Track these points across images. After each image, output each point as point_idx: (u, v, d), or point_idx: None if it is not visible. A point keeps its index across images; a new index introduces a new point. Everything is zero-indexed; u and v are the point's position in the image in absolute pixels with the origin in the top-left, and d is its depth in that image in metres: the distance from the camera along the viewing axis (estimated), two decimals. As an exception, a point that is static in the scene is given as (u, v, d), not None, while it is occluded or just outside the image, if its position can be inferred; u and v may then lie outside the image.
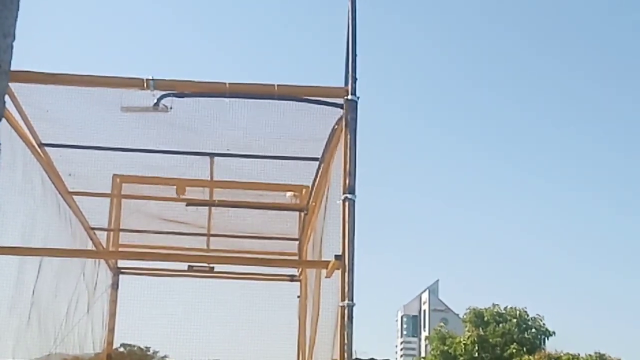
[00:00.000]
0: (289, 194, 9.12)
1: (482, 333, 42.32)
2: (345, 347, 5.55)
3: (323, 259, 7.25)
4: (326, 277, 6.32)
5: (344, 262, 5.67)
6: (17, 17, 1.52)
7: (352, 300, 5.58)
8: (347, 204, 5.83)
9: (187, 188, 8.69)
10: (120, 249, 9.72)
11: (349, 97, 6.04)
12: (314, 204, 8.25)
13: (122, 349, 14.43)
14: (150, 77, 6.04)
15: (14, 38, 1.54)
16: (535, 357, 39.80)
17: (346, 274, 5.63)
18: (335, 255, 5.76)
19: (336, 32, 6.52)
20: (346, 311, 5.55)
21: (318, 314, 7.81)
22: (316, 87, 6.28)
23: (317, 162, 7.57)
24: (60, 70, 6.02)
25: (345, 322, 5.53)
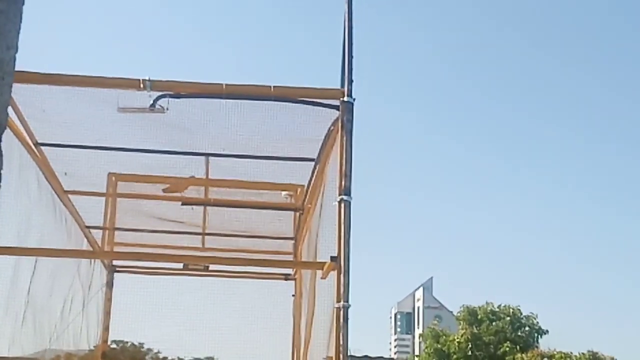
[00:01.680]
0: (284, 193, 9.15)
1: (475, 331, 42.41)
2: (341, 348, 5.57)
3: (318, 260, 7.28)
4: (322, 278, 6.35)
5: (340, 264, 5.69)
6: (20, 29, 1.54)
7: (348, 301, 5.60)
8: (342, 205, 5.86)
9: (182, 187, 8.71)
10: (115, 248, 9.73)
11: (345, 98, 6.06)
12: (309, 205, 8.27)
13: (114, 346, 14.45)
14: (147, 78, 6.05)
15: (17, 50, 1.55)
16: (529, 355, 39.89)
17: (342, 275, 5.66)
18: (331, 257, 5.78)
19: (333, 33, 6.54)
20: (341, 312, 5.57)
21: (313, 314, 7.84)
22: (312, 88, 6.30)
23: (313, 163, 7.59)
24: (58, 71, 6.04)
25: (341, 324, 5.55)
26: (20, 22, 1.54)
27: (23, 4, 1.55)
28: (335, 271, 5.74)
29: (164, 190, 8.64)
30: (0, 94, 1.61)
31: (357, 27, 6.22)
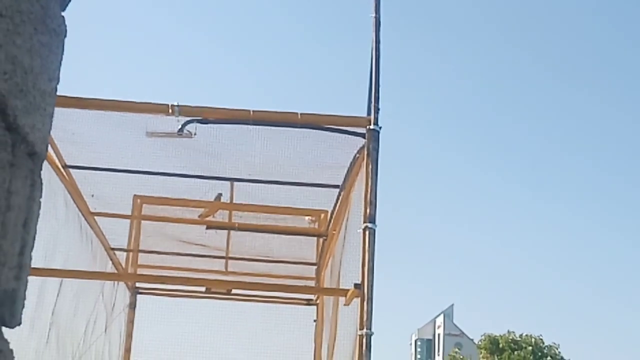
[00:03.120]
0: (307, 218, 9.17)
1: (496, 360, 42.02)
2: (363, 376, 5.55)
3: (341, 286, 7.28)
4: (345, 304, 6.34)
5: (363, 291, 5.69)
6: (61, 60, 1.57)
7: (370, 329, 5.60)
8: (367, 232, 5.86)
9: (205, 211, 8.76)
10: (139, 270, 9.78)
11: (371, 126, 6.08)
12: (333, 231, 8.28)
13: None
14: (176, 103, 6.12)
15: (58, 81, 1.59)
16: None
17: (365, 303, 5.65)
18: (355, 284, 5.78)
19: (361, 61, 6.59)
20: (364, 340, 5.56)
21: (335, 340, 7.83)
22: (339, 116, 6.33)
23: (337, 189, 7.61)
24: (88, 95, 6.13)
25: (364, 351, 5.54)
26: (62, 54, 1.57)
27: (65, 36, 1.59)
28: (359, 299, 5.74)
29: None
30: (42, 124, 1.65)
31: (384, 52, 6.26)
